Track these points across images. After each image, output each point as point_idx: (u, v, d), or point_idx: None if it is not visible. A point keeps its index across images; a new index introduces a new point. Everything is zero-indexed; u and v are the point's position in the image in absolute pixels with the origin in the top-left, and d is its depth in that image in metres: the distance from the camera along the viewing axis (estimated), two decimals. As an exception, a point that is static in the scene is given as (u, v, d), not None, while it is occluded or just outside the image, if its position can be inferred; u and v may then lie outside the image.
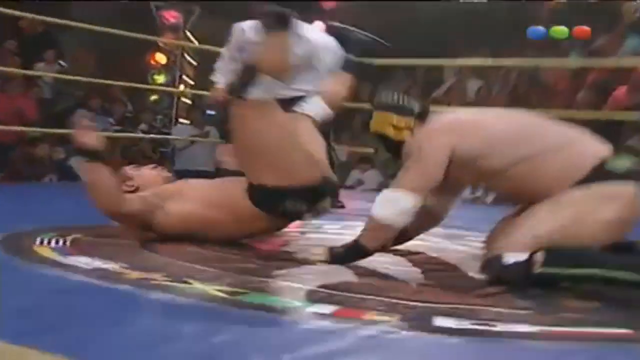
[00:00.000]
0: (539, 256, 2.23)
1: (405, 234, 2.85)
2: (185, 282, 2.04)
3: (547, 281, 2.23)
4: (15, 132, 5.96)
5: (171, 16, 9.43)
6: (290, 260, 2.64)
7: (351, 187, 7.87)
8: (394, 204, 2.51)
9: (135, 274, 2.10)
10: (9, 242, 2.59)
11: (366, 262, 2.57)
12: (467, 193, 7.19)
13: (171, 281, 2.04)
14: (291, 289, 2.12)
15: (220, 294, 1.93)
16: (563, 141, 2.47)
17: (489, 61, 7.37)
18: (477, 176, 2.59)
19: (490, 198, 7.15)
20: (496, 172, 2.49)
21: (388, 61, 5.76)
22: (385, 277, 2.44)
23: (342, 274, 2.42)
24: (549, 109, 6.67)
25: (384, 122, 2.70)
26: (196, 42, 9.79)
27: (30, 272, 2.11)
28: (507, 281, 2.27)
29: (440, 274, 2.55)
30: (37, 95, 7.14)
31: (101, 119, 7.12)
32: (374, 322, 1.76)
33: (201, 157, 7.76)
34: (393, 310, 1.89)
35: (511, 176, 2.46)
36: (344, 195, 4.30)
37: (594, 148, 2.46)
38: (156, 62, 9.41)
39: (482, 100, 8.20)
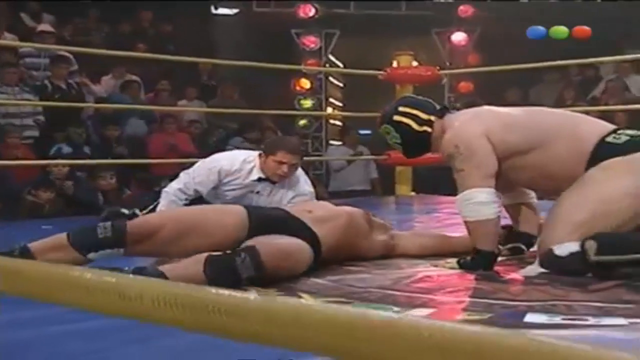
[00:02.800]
0: (591, 244, 2.34)
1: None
2: (298, 296, 2.20)
3: (606, 267, 2.34)
4: (171, 165, 6.43)
5: (310, 42, 9.78)
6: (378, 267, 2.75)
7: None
8: (471, 200, 2.62)
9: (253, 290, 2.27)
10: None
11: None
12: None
13: (285, 295, 2.21)
14: (390, 296, 2.24)
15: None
16: (569, 123, 2.68)
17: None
18: (505, 164, 2.67)
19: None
20: (518, 156, 2.64)
21: (539, 65, 5.77)
22: (489, 278, 2.51)
23: (454, 279, 2.52)
24: None
25: (407, 116, 2.87)
26: (340, 65, 10.07)
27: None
28: (567, 272, 2.38)
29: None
30: (192, 130, 7.59)
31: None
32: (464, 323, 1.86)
33: (356, 177, 7.96)
34: (488, 310, 1.98)
35: (530, 162, 2.62)
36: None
37: (596, 127, 2.63)
38: (301, 87, 9.74)
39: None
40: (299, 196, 3.70)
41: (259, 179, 3.67)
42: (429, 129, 2.85)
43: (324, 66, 9.67)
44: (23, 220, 5.10)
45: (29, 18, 7.79)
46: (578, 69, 8.90)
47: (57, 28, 7.47)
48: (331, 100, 10.51)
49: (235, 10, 10.40)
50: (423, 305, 2.08)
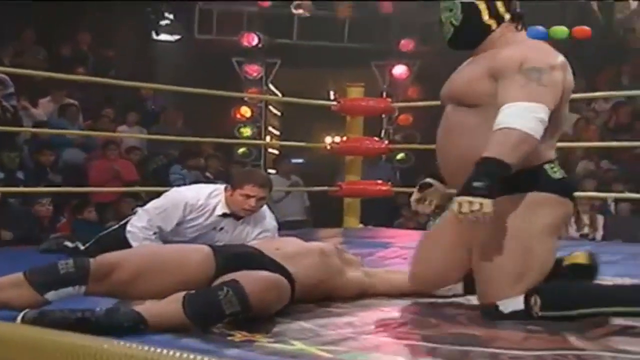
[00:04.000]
0: (536, 300, 2.34)
1: None
2: (291, 344, 2.04)
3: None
4: (113, 192, 6.20)
5: (253, 70, 9.71)
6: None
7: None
8: (537, 114, 2.30)
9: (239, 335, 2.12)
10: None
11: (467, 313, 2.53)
12: (572, 230, 6.95)
13: (274, 342, 2.05)
14: (391, 345, 2.11)
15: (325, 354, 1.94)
16: None
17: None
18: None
19: (600, 234, 6.92)
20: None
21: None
22: (489, 325, 2.39)
23: (446, 324, 2.40)
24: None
25: (483, 1, 2.53)
26: (279, 94, 10.01)
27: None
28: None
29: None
30: (132, 157, 7.39)
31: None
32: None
33: (293, 207, 7.83)
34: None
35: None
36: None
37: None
38: (242, 115, 9.67)
39: (579, 132, 8.00)
40: (264, 232, 3.55)
41: (224, 215, 3.50)
42: (494, 26, 2.53)
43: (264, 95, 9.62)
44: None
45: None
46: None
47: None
48: (270, 129, 10.45)
49: (176, 37, 10.27)
50: (426, 355, 1.96)
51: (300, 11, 9.70)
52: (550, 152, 2.53)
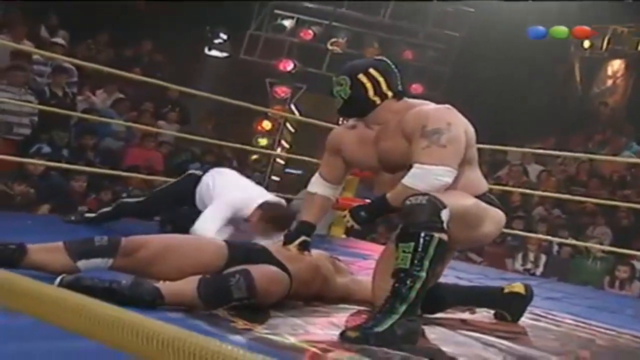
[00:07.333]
0: None
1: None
2: (285, 337, 2.02)
3: None
4: (145, 180, 6.18)
5: (282, 91, 9.92)
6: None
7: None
8: (440, 179, 2.30)
9: (241, 323, 2.11)
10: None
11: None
12: (518, 264, 7.10)
13: (271, 334, 2.03)
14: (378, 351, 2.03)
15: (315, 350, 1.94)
16: None
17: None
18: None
19: (540, 270, 7.04)
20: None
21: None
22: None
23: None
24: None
25: (372, 80, 2.51)
26: (297, 114, 10.09)
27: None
28: None
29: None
30: (164, 150, 7.41)
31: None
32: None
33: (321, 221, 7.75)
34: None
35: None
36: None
37: None
38: (262, 128, 9.85)
39: (541, 183, 8.12)
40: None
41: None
42: (378, 101, 2.51)
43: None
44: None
45: (46, 31, 7.61)
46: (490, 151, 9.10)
47: (69, 44, 7.31)
48: (282, 142, 10.54)
49: (225, 54, 10.54)
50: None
51: (335, 47, 9.97)
52: (480, 185, 2.53)
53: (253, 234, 3.44)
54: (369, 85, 2.51)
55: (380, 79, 2.52)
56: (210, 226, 3.37)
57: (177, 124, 7.84)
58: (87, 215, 3.93)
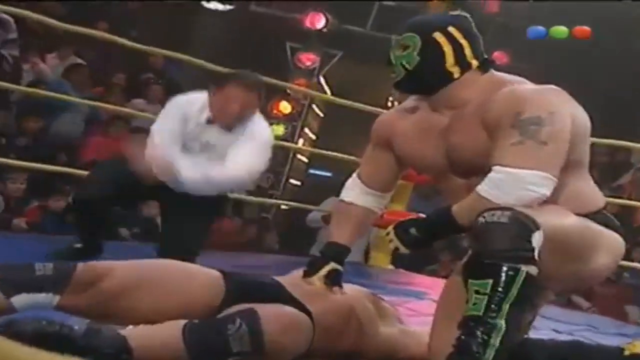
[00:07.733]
0: None
1: None
2: None
3: None
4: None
5: (308, 59, 9.68)
6: None
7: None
8: (535, 191, 2.27)
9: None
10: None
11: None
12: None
13: None
14: None
15: None
16: None
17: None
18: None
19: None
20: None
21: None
22: None
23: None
24: None
25: (453, 42, 2.49)
26: (329, 92, 10.01)
27: None
28: None
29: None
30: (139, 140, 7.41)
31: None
32: None
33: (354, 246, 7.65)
34: None
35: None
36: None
37: None
38: (279, 111, 9.67)
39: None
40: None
41: (208, 121, 3.76)
42: (457, 74, 2.49)
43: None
44: None
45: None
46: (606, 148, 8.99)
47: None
48: (306, 130, 10.49)
49: (228, 7, 10.27)
50: None
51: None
52: (591, 198, 2.53)
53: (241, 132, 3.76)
54: (447, 49, 2.48)
55: (463, 42, 2.50)
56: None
57: (160, 103, 7.86)
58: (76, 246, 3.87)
